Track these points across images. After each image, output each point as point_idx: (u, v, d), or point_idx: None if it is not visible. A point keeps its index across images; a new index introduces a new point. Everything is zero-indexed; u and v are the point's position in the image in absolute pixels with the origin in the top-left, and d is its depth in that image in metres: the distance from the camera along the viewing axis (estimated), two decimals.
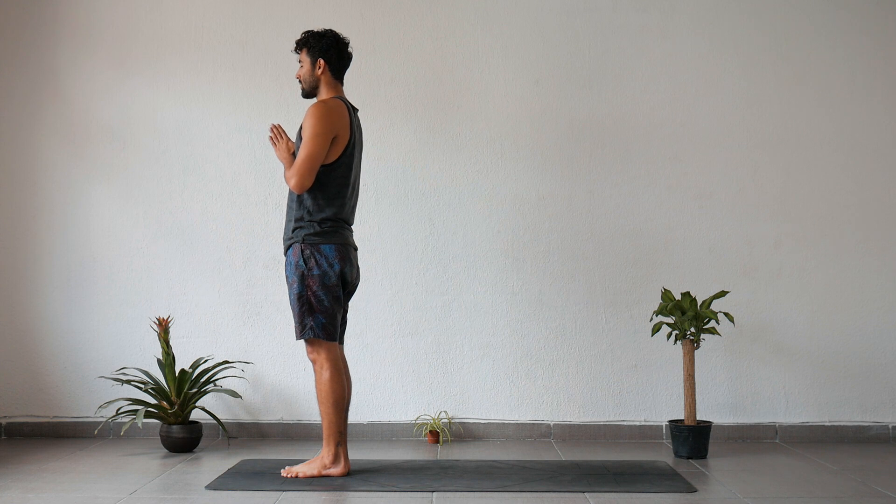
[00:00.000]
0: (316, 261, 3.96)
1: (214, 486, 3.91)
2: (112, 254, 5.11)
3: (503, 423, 5.05)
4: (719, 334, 4.75)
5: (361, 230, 4.96)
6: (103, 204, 5.13)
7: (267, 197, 5.07)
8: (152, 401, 4.77)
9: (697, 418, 4.74)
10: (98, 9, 5.16)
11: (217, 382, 4.82)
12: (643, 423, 5.04)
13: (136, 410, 4.63)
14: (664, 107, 5.12)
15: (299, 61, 4.13)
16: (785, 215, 5.09)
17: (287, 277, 4.03)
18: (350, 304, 4.69)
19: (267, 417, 5.07)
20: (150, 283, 5.10)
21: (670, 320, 4.71)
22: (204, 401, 4.95)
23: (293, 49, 4.16)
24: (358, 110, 4.21)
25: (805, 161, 5.10)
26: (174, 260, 5.11)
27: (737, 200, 5.10)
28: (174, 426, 4.65)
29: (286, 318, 4.83)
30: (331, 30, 4.13)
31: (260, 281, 5.07)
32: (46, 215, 5.12)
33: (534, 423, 5.05)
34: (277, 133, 4.11)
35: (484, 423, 5.05)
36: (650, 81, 5.13)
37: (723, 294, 4.62)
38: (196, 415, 4.91)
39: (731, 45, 5.13)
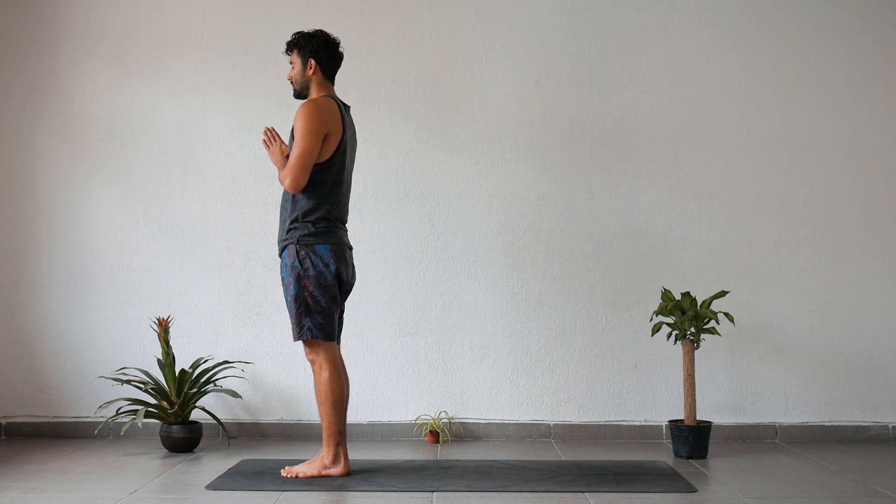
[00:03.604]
0: (311, 261, 3.95)
1: (214, 486, 3.91)
2: (112, 254, 5.11)
3: (503, 423, 5.05)
4: (719, 334, 4.75)
5: (361, 230, 4.97)
6: (103, 204, 5.13)
7: (267, 197, 5.07)
8: (152, 401, 4.77)
9: (697, 418, 4.74)
10: (98, 9, 5.16)
11: (217, 382, 4.82)
12: (643, 423, 5.04)
13: (136, 410, 4.63)
14: (664, 107, 5.12)
15: (290, 62, 4.14)
16: (785, 215, 5.09)
17: (283, 279, 4.03)
18: (350, 304, 4.70)
19: (267, 417, 5.07)
20: (150, 283, 5.10)
21: (670, 320, 4.71)
22: (204, 401, 4.95)
23: (284, 51, 4.16)
24: (349, 108, 4.21)
25: (805, 161, 5.10)
26: (174, 260, 5.11)
27: (737, 200, 5.10)
28: (174, 426, 4.65)
29: (286, 318, 4.82)
30: (321, 30, 4.13)
31: (260, 281, 5.07)
32: (46, 215, 5.12)
33: (534, 423, 5.05)
34: (271, 136, 4.09)
35: (484, 423, 5.05)
36: (650, 81, 5.13)
37: (723, 294, 4.62)
38: (196, 415, 4.91)
39: (731, 45, 5.13)
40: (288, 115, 4.85)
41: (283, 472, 4.05)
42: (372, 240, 5.06)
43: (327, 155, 3.99)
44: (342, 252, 4.03)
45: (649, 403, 5.05)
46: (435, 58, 5.14)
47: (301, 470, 4.02)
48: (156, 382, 4.74)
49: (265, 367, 5.07)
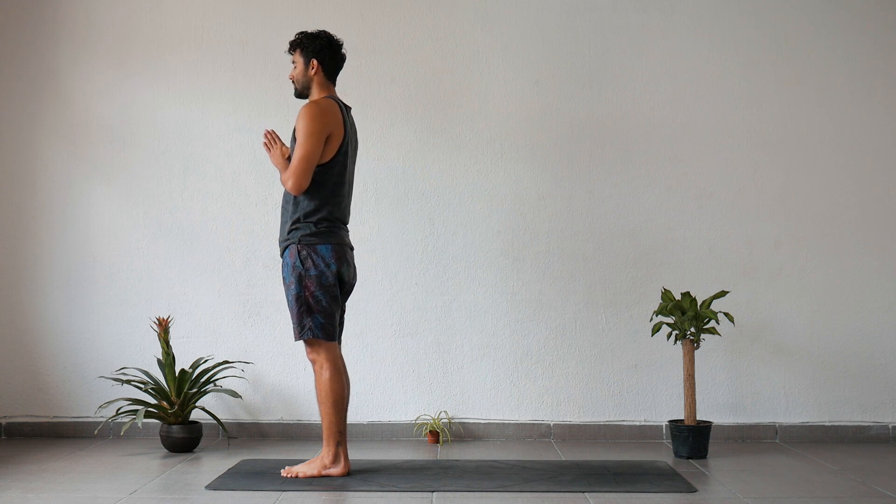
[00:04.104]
0: (313, 261, 3.96)
1: (214, 486, 3.91)
2: (112, 254, 5.11)
3: (503, 423, 5.05)
4: (719, 334, 4.75)
5: (361, 230, 4.96)
6: (103, 204, 5.13)
7: (267, 197, 5.07)
8: (152, 401, 4.77)
9: (697, 418, 4.74)
10: (98, 9, 5.16)
11: (217, 382, 4.82)
12: (643, 423, 5.04)
13: (136, 410, 4.63)
14: (664, 107, 5.12)
15: (293, 62, 4.14)
16: (785, 215, 5.09)
17: (284, 279, 4.03)
18: (350, 304, 4.69)
19: (267, 417, 5.07)
20: (150, 283, 5.10)
21: (670, 320, 4.71)
22: (204, 401, 4.95)
23: (287, 50, 4.17)
24: (351, 109, 4.21)
25: (805, 161, 5.10)
26: (174, 260, 5.11)
27: (737, 200, 5.10)
28: (174, 426, 4.65)
29: (286, 318, 4.81)
30: (324, 31, 4.13)
31: (260, 281, 5.07)
32: (46, 215, 5.12)
33: (534, 423, 5.05)
34: (271, 138, 4.10)
35: (484, 423, 5.05)
36: (650, 81, 5.13)
37: (723, 294, 4.62)
38: (196, 415, 4.91)
39: (731, 45, 5.13)
40: (288, 114, 4.86)
41: (283, 472, 4.05)
42: (372, 240, 5.06)
43: (329, 156, 3.99)
44: (343, 252, 4.03)
45: (649, 403, 5.05)
46: (435, 58, 5.14)
47: (301, 470, 4.02)
48: (156, 382, 4.74)
49: (265, 367, 5.07)
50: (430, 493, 3.80)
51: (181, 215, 5.12)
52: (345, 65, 4.26)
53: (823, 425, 5.03)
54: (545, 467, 4.28)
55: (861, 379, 5.05)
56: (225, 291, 5.10)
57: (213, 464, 4.36)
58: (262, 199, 5.09)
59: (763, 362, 5.06)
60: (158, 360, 4.78)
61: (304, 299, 3.96)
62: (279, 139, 4.11)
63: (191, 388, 4.71)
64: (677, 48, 5.13)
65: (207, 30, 5.15)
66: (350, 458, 4.19)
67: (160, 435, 4.69)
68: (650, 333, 4.80)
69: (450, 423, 5.02)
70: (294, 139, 4.01)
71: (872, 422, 5.03)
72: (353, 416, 4.81)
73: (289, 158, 4.03)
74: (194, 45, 5.15)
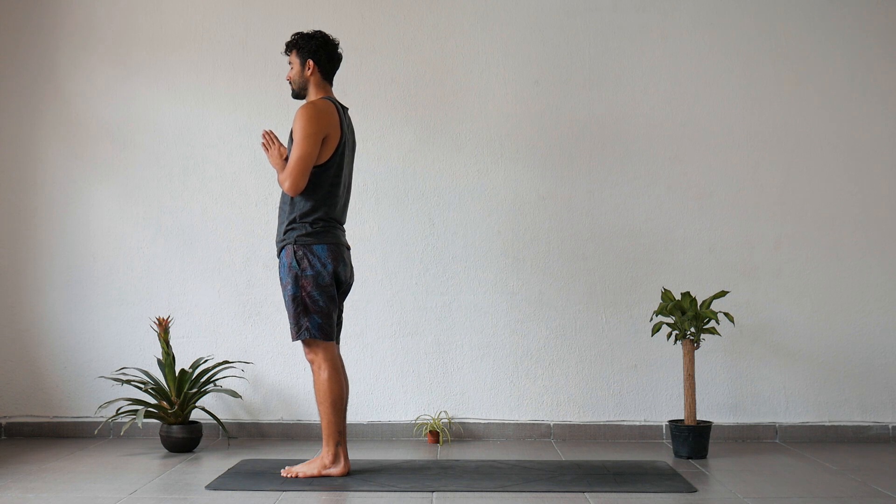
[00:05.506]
0: (309, 261, 3.96)
1: (214, 486, 3.91)
2: (112, 254, 5.11)
3: (503, 423, 5.05)
4: (719, 334, 4.75)
5: (361, 230, 4.97)
6: (103, 204, 5.13)
7: (267, 197, 5.07)
8: (152, 401, 4.77)
9: (697, 418, 4.74)
10: (98, 9, 5.16)
11: (217, 382, 4.82)
12: (643, 423, 5.04)
13: (136, 410, 4.63)
14: (664, 107, 5.12)
15: (289, 63, 4.14)
16: (785, 215, 5.09)
17: (281, 279, 4.03)
18: (350, 304, 4.70)
19: (267, 417, 5.07)
20: (150, 283, 5.10)
21: (670, 320, 4.71)
22: (204, 401, 4.95)
23: (283, 51, 4.16)
24: (348, 109, 4.21)
25: (805, 161, 5.10)
26: (174, 260, 5.11)
27: (737, 200, 5.10)
28: (174, 426, 4.65)
29: (286, 318, 4.80)
30: (320, 31, 4.13)
31: (260, 281, 5.07)
32: (46, 215, 5.12)
33: (534, 423, 5.05)
34: (269, 139, 4.10)
35: (484, 423, 5.05)
36: (650, 81, 5.12)
37: (723, 294, 4.62)
38: (196, 415, 4.92)
39: (731, 45, 5.13)
40: (288, 115, 4.86)
41: (283, 473, 4.05)
42: (372, 240, 5.06)
43: (326, 157, 3.99)
44: (340, 252, 4.03)
45: (649, 403, 5.05)
46: (435, 58, 5.14)
47: (301, 470, 4.02)
48: (156, 382, 4.74)
49: (265, 367, 5.07)
50: (430, 493, 3.81)
51: (181, 215, 5.12)
52: (344, 65, 4.26)
53: (823, 425, 5.03)
54: (545, 467, 4.28)
55: (861, 379, 5.05)
56: (225, 291, 5.10)
57: (213, 464, 4.36)
58: (262, 199, 5.09)
59: (763, 362, 5.06)
60: (158, 360, 4.78)
61: (301, 299, 3.96)
62: (277, 140, 4.11)
63: (191, 388, 4.71)
64: (677, 48, 5.13)
65: (207, 30, 5.15)
66: (350, 458, 4.20)
67: (160, 435, 4.69)
68: (650, 333, 4.81)
69: (450, 423, 5.02)
70: (291, 140, 4.01)
71: (872, 422, 5.03)
72: (353, 416, 4.81)
73: (286, 159, 4.03)
74: (194, 45, 5.15)
